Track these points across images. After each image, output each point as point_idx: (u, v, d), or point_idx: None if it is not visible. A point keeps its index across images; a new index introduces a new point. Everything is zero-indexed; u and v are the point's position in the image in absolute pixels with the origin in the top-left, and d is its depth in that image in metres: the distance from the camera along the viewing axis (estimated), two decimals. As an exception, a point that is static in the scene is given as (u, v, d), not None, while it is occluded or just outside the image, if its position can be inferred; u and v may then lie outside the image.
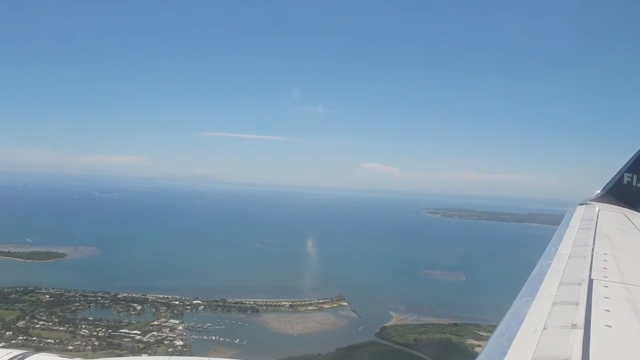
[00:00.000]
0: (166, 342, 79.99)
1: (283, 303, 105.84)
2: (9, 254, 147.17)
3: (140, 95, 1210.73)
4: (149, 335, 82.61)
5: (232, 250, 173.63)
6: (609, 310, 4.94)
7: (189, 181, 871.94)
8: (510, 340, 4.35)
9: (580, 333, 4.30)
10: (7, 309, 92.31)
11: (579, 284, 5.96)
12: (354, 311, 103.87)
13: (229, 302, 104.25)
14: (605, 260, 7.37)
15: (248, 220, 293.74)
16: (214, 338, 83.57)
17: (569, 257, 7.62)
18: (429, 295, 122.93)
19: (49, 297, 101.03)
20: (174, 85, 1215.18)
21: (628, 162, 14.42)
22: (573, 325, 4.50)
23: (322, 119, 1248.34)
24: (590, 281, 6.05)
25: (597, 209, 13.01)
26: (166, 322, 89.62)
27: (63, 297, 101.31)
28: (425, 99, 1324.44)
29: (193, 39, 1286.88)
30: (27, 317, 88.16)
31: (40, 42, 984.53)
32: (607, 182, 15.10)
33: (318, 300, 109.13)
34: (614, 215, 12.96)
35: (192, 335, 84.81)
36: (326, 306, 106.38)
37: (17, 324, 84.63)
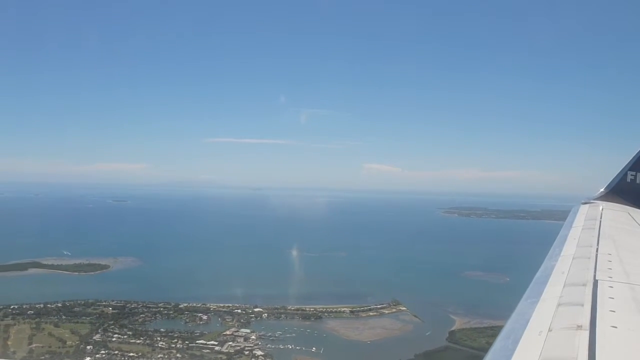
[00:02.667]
0: (246, 352, 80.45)
1: (343, 309, 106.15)
2: (53, 266, 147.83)
3: (140, 102, 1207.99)
4: (226, 345, 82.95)
5: (268, 257, 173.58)
6: (614, 311, 4.90)
7: (194, 187, 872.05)
8: (515, 342, 4.32)
9: (585, 334, 4.29)
10: (77, 322, 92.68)
11: (584, 284, 5.92)
12: (415, 316, 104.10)
13: (290, 310, 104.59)
14: (610, 261, 7.28)
15: (268, 224, 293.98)
16: (290, 347, 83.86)
17: (573, 258, 7.58)
18: (480, 297, 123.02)
19: (112, 309, 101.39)
20: (174, 91, 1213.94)
21: (631, 160, 14.18)
22: (578, 326, 4.50)
23: (324, 121, 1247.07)
24: (595, 282, 5.99)
25: (600, 208, 12.81)
26: (237, 331, 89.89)
27: (126, 309, 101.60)
28: (424, 98, 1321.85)
29: (195, 45, 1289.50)
30: (99, 330, 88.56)
31: (45, 50, 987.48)
32: (611, 180, 14.87)
33: (376, 305, 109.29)
34: (617, 214, 12.76)
35: (267, 344, 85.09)
36: (386, 311, 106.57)
37: (94, 337, 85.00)
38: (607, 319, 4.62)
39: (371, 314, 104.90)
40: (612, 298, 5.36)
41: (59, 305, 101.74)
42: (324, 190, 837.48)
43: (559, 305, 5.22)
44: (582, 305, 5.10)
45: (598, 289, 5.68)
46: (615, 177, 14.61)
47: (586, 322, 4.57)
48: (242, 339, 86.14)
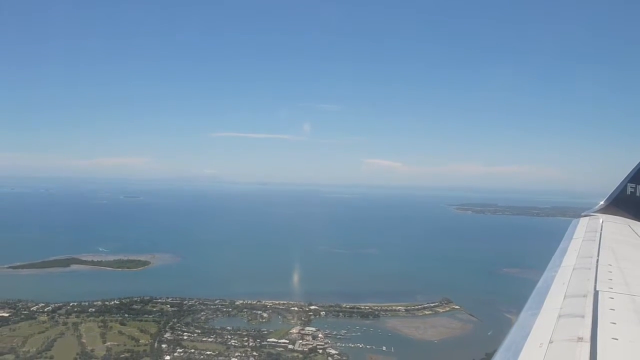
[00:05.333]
0: (320, 351, 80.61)
1: (398, 307, 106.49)
2: (93, 263, 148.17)
3: (143, 97, 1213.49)
4: (297, 344, 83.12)
5: (301, 253, 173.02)
6: (615, 323, 4.89)
7: (199, 182, 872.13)
8: (516, 354, 4.36)
9: (586, 346, 4.30)
10: (141, 320, 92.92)
11: (585, 295, 5.93)
12: (471, 315, 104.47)
13: (345, 307, 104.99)
14: (610, 272, 7.31)
15: (288, 220, 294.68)
16: (360, 345, 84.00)
17: (574, 269, 7.59)
18: (525, 294, 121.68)
19: (170, 306, 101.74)
20: (178, 87, 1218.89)
21: (631, 172, 14.08)
22: (579, 338, 4.52)
23: (326, 117, 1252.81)
24: (596, 293, 6.01)
25: (600, 221, 12.89)
26: (303, 329, 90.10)
27: (184, 307, 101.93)
28: (426, 94, 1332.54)
29: (202, 43, 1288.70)
30: (167, 329, 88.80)
31: (52, 46, 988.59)
32: (611, 193, 14.79)
33: (429, 304, 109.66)
34: (618, 226, 12.84)
35: (336, 343, 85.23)
36: (440, 310, 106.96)
37: (165, 335, 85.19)
38: (608, 331, 4.65)
39: (426, 312, 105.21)
40: (613, 309, 5.40)
41: (117, 302, 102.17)
42: (327, 186, 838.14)
43: (559, 316, 5.28)
44: (583, 316, 5.15)
45: (599, 300, 5.72)
46: (615, 189, 14.57)
47: (587, 333, 4.62)
48: (310, 337, 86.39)
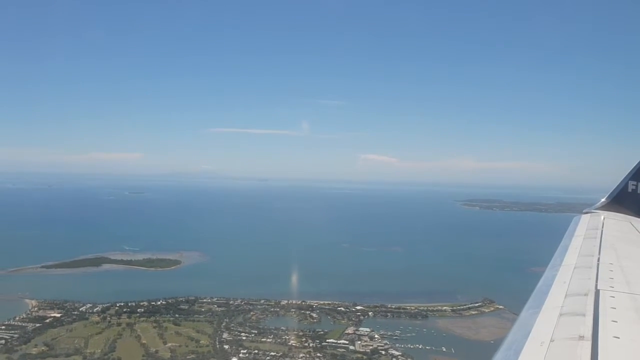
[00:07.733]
0: (382, 352, 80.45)
1: (444, 308, 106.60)
2: (123, 262, 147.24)
3: (139, 92, 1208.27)
4: (357, 344, 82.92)
5: (327, 252, 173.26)
6: (616, 321, 4.90)
7: (197, 177, 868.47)
8: (517, 353, 4.34)
9: (588, 345, 4.31)
10: (193, 320, 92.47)
11: (586, 294, 5.93)
12: (516, 314, 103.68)
13: (391, 308, 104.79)
14: (612, 270, 7.31)
15: (299, 216, 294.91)
16: (419, 346, 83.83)
17: (575, 268, 7.59)
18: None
19: (217, 306, 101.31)
20: (175, 82, 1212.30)
21: (632, 170, 14.11)
22: (580, 337, 4.52)
23: (323, 112, 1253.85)
24: (597, 291, 6.01)
25: (602, 218, 12.94)
26: (357, 330, 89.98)
27: (232, 307, 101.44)
28: (423, 90, 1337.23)
29: (198, 37, 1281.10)
30: (222, 329, 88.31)
31: (50, 42, 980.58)
32: (612, 190, 14.82)
33: (473, 304, 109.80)
34: (619, 223, 12.89)
35: (395, 344, 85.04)
36: (485, 310, 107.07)
37: (223, 336, 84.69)
38: (609, 330, 4.65)
39: (472, 312, 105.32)
40: (614, 308, 5.39)
41: (163, 302, 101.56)
42: (325, 181, 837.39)
43: (560, 315, 5.28)
44: (584, 315, 5.15)
45: (600, 298, 5.71)
46: (617, 187, 14.56)
47: (588, 332, 4.62)
48: (367, 338, 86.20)
